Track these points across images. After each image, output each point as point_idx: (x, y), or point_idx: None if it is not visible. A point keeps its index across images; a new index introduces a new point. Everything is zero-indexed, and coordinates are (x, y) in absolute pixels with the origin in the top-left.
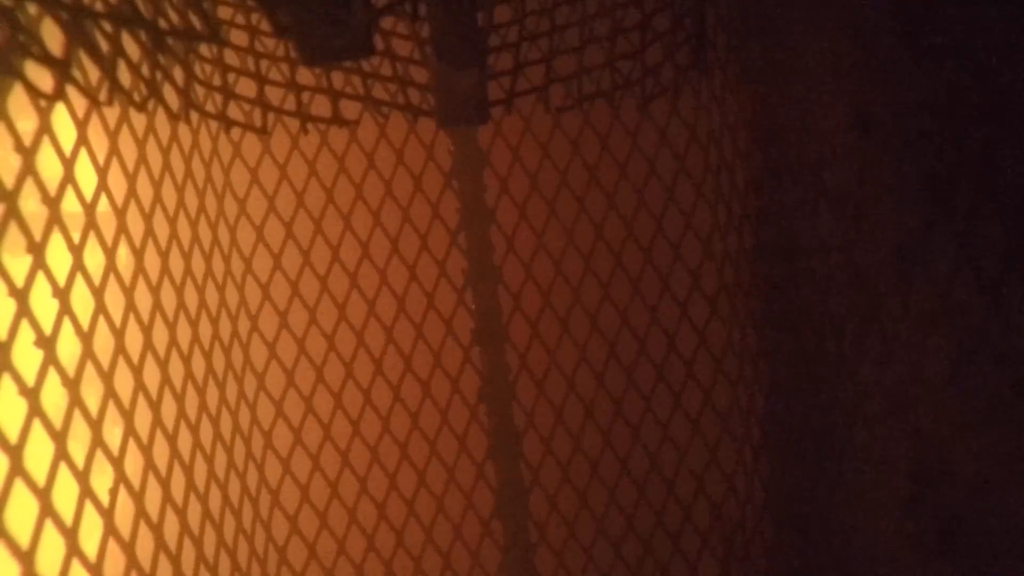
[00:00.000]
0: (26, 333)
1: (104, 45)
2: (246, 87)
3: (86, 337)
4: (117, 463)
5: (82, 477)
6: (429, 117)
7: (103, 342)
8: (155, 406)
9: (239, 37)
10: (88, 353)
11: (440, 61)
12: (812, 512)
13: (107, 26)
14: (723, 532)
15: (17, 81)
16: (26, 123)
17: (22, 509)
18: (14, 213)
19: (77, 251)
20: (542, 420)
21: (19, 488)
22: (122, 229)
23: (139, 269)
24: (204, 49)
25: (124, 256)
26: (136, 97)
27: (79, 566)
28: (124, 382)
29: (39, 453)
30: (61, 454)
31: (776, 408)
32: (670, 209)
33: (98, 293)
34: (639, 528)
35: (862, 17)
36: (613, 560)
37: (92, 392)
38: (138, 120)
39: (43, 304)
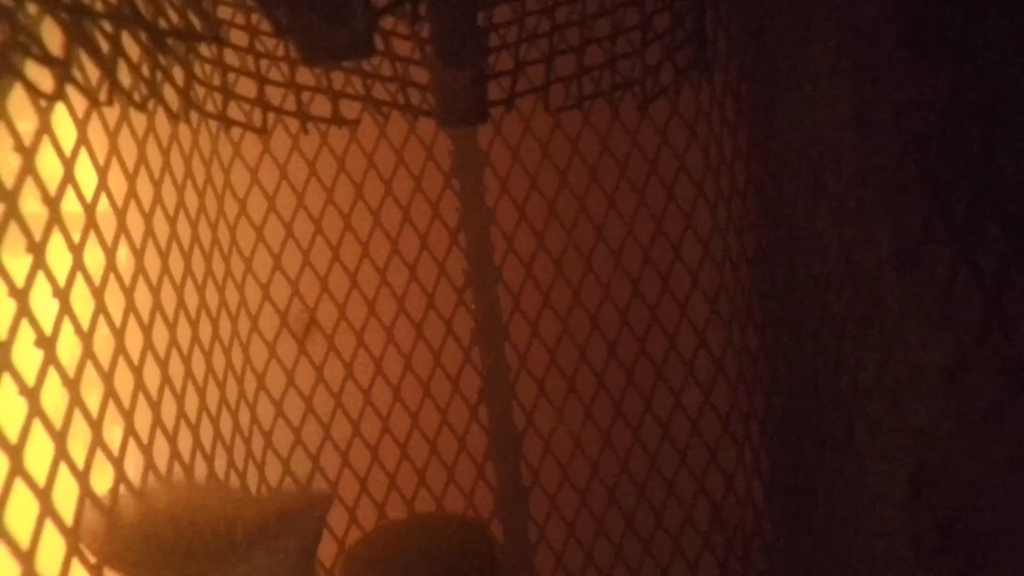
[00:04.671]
0: (26, 333)
1: (104, 45)
2: (246, 87)
3: (86, 337)
4: (117, 463)
5: (82, 477)
6: (429, 117)
7: (103, 342)
8: (155, 406)
9: (239, 37)
10: (88, 353)
11: (440, 61)
12: (812, 512)
13: (107, 26)
14: (723, 532)
15: (17, 81)
16: (26, 123)
17: (22, 509)
18: (14, 213)
19: (77, 251)
20: (542, 420)
21: (19, 488)
22: (122, 229)
23: (139, 269)
24: (204, 49)
25: (124, 256)
26: (136, 97)
27: (79, 566)
28: (124, 382)
29: (39, 453)
30: (61, 454)
31: (776, 408)
32: (670, 209)
33: (98, 293)
34: (639, 528)
35: (862, 17)
36: (613, 560)
37: (92, 392)
38: (138, 120)
39: (43, 304)
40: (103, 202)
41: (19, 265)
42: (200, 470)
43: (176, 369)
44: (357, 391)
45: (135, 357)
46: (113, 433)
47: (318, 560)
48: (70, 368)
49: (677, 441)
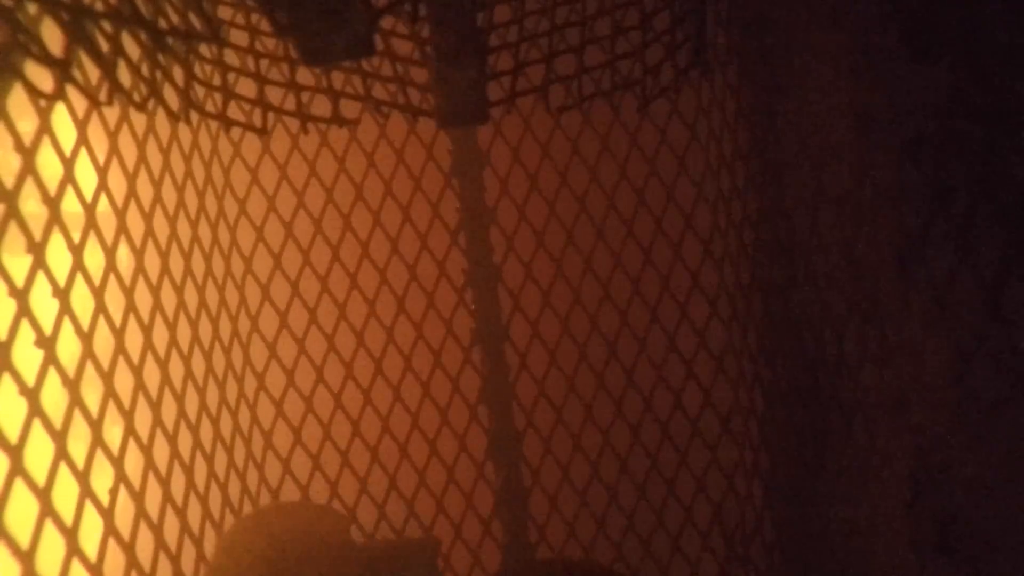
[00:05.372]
0: (26, 333)
1: (104, 45)
2: (246, 87)
3: (86, 337)
4: (117, 463)
5: (82, 477)
6: (429, 117)
7: (103, 342)
8: (155, 406)
9: (239, 37)
10: (88, 353)
11: (440, 61)
12: (812, 512)
13: (107, 26)
14: (723, 532)
15: (17, 81)
16: (26, 123)
17: (22, 509)
18: (14, 213)
19: (77, 251)
20: (542, 420)
21: (19, 488)
22: (122, 229)
23: (139, 269)
24: (204, 49)
25: (124, 256)
26: (136, 97)
27: (79, 566)
28: (124, 382)
29: (39, 453)
30: (61, 454)
31: (776, 408)
32: (670, 209)
33: (98, 293)
34: (639, 528)
35: (862, 17)
36: (613, 560)
37: (92, 392)
38: (138, 120)
39: (43, 304)
40: (103, 202)
41: (19, 265)
42: (200, 470)
43: (176, 369)
44: (357, 391)
45: (135, 357)
46: (113, 433)
47: None
48: (70, 368)
49: (677, 441)
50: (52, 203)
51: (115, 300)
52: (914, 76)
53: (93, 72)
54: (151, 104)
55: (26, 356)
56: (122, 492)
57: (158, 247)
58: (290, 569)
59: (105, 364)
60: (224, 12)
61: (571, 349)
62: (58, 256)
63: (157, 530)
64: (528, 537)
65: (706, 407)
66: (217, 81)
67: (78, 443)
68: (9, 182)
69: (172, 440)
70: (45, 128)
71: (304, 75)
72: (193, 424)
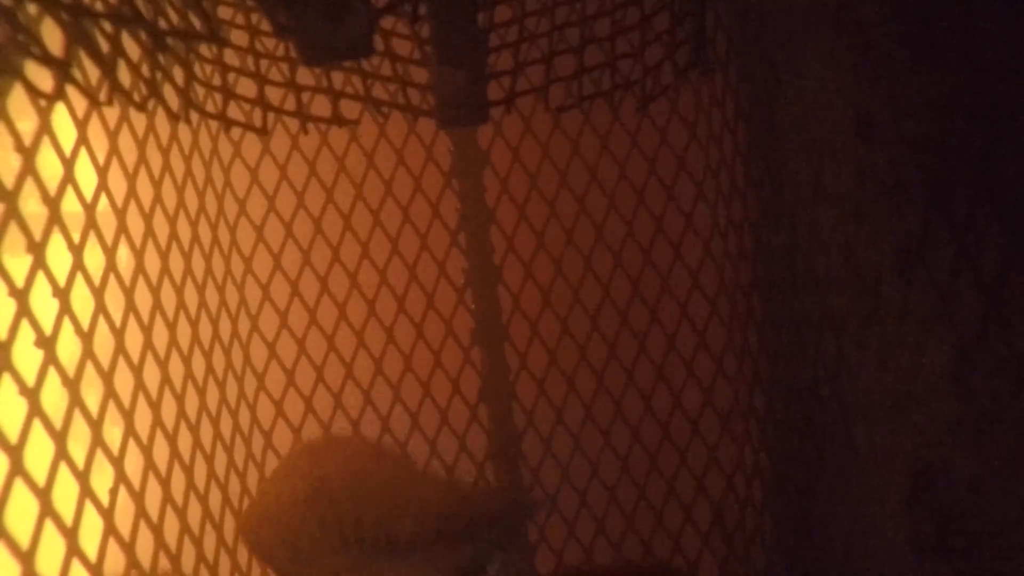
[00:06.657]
0: (26, 333)
1: (104, 45)
2: (246, 87)
3: (86, 337)
4: (117, 463)
5: (82, 477)
6: (429, 117)
7: (103, 342)
8: (155, 406)
9: (239, 37)
10: (88, 353)
11: (440, 61)
12: (812, 512)
13: (107, 26)
14: (723, 532)
15: (17, 81)
16: (26, 123)
17: (22, 509)
18: (14, 213)
19: (77, 251)
20: (542, 420)
21: (19, 488)
22: (122, 229)
23: (139, 269)
24: (204, 49)
25: (124, 256)
26: (136, 97)
27: (79, 566)
28: (124, 382)
29: (39, 453)
30: (61, 454)
31: (776, 408)
32: (670, 209)
33: (98, 293)
34: (639, 528)
35: (862, 17)
36: (613, 560)
37: (92, 392)
38: (138, 120)
39: (43, 304)
40: (103, 202)
41: (19, 265)
42: (200, 470)
43: (176, 369)
44: (357, 391)
45: (135, 357)
46: (113, 433)
47: None
48: (70, 368)
49: (677, 441)
50: (52, 203)
51: (115, 300)
52: (914, 76)
53: (93, 72)
54: (151, 104)
55: (26, 356)
56: (122, 492)
57: (158, 247)
58: (341, 502)
59: (105, 364)
60: (224, 12)
61: (571, 349)
62: (58, 256)
63: (157, 530)
64: (528, 537)
65: (706, 407)
66: (217, 81)
67: (78, 443)
68: (9, 182)
69: (172, 440)
70: (45, 128)
71: (304, 75)
72: (193, 424)
